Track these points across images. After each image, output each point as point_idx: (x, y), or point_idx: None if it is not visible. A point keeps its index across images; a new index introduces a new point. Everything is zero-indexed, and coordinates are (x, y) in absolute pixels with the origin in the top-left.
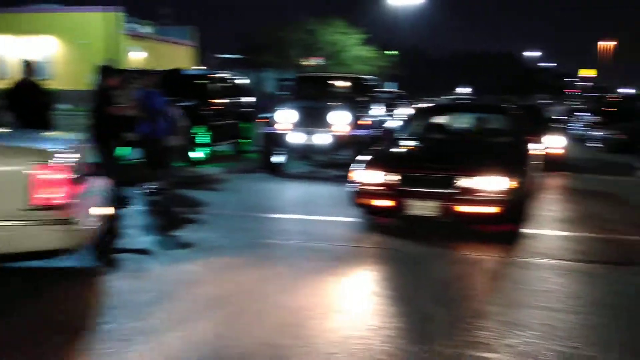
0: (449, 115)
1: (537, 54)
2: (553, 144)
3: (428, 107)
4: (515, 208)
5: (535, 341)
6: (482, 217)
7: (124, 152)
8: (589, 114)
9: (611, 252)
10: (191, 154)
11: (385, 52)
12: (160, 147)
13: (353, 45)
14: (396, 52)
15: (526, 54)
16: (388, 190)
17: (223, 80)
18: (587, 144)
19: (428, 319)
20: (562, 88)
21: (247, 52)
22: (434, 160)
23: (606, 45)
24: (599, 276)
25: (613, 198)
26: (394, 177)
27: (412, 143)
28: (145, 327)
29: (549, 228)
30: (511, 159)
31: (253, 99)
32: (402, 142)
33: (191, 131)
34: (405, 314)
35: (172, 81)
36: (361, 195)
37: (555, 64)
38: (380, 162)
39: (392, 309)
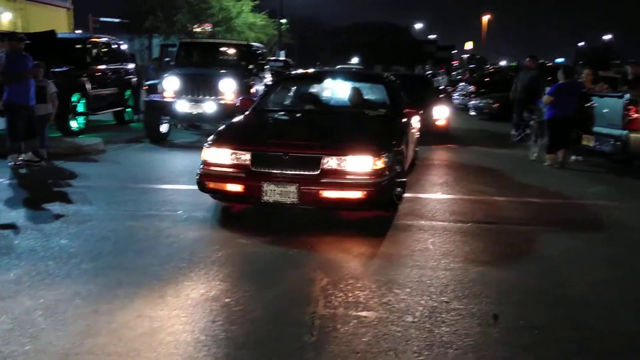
0: (320, 84)
1: (422, 25)
2: (437, 114)
3: (296, 74)
4: (383, 191)
5: (408, 298)
6: (345, 202)
7: None
8: (466, 84)
9: (482, 212)
10: (67, 123)
11: (283, 20)
12: (28, 116)
13: (245, 12)
14: (286, 21)
15: (416, 25)
16: (237, 173)
17: (102, 45)
18: (471, 113)
19: (309, 282)
20: (449, 60)
21: (132, 17)
22: (291, 136)
23: (485, 19)
24: (470, 234)
25: (493, 171)
26: (244, 156)
27: (273, 115)
28: (9, 307)
29: (429, 192)
30: (382, 135)
31: (133, 66)
32: (262, 114)
33: (67, 99)
34: (286, 279)
35: (45, 45)
36: (208, 178)
37: (435, 36)
38: (230, 137)
39: (271, 275)
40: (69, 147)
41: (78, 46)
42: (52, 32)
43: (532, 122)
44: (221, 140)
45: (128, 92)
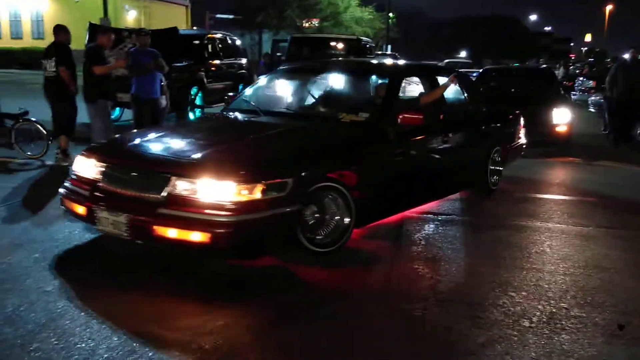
0: (313, 79)
1: (537, 17)
2: (557, 118)
3: (287, 68)
4: (246, 235)
5: (524, 301)
6: (188, 245)
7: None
8: (585, 79)
9: (603, 215)
10: (186, 115)
11: (389, 14)
12: (153, 108)
13: (352, 7)
14: (392, 15)
15: (530, 17)
16: (85, 190)
17: (218, 40)
18: (590, 109)
19: (419, 279)
20: (566, 52)
21: (243, 12)
22: (160, 146)
23: (606, 9)
24: (591, 239)
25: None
26: (100, 170)
27: (225, 117)
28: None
29: (544, 192)
30: (292, 152)
31: (246, 60)
32: (219, 116)
33: (187, 92)
34: (394, 275)
35: (168, 41)
36: (65, 194)
37: (550, 27)
38: (107, 145)
39: (381, 268)
40: None
41: (196, 42)
42: (174, 29)
43: None
44: (96, 147)
45: (241, 86)
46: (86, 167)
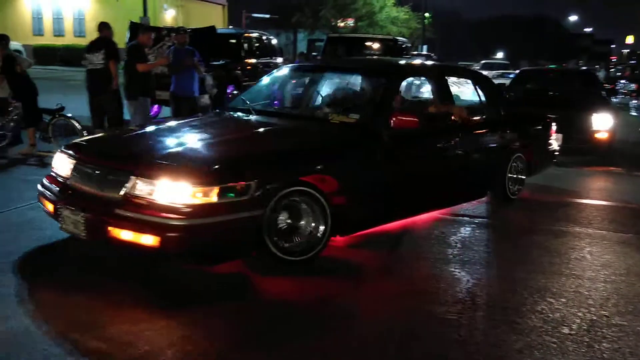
0: (313, 79)
1: (576, 17)
2: (597, 124)
3: (288, 67)
4: (197, 241)
5: (564, 308)
6: (141, 248)
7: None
8: (627, 82)
9: None
10: None
11: (425, 14)
12: (191, 106)
13: (388, 7)
14: (428, 15)
15: (570, 18)
16: (56, 186)
17: (254, 39)
18: (632, 113)
19: (454, 282)
20: (606, 54)
21: (278, 12)
22: (132, 144)
23: None
24: (632, 246)
25: None
26: (70, 166)
27: (219, 116)
28: None
29: (584, 198)
30: (263, 153)
31: (282, 59)
32: (218, 114)
33: (223, 90)
34: (429, 277)
35: (206, 40)
36: (41, 191)
37: (591, 29)
38: (87, 141)
39: (410, 275)
40: None
41: (233, 41)
42: (212, 28)
43: None
44: (74, 143)
45: None
46: (62, 163)
